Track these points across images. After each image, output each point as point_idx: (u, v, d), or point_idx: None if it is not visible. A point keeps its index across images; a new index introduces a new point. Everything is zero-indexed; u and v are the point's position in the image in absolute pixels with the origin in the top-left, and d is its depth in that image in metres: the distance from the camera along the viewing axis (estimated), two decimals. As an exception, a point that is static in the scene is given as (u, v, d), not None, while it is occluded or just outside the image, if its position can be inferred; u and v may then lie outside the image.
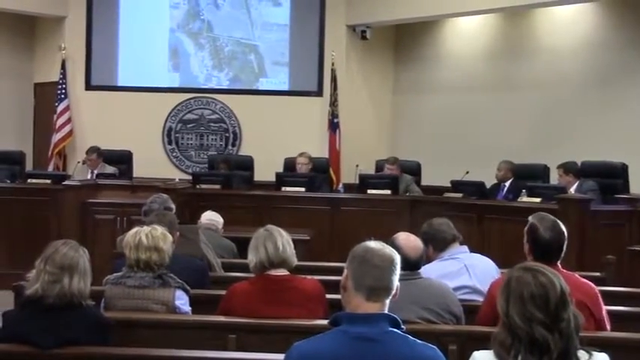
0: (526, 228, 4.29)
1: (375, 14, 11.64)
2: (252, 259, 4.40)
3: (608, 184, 8.62)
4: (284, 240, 4.40)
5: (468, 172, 9.41)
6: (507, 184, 9.35)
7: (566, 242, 4.22)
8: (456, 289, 4.59)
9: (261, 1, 11.97)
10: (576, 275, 4.24)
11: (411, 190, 9.77)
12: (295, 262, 4.47)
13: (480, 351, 2.94)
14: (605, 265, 5.82)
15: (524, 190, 8.44)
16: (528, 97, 10.81)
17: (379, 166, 10.47)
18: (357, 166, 10.40)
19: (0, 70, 12.02)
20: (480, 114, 11.26)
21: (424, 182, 10.32)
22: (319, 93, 11.79)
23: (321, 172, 10.54)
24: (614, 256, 5.94)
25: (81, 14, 11.93)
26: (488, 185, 9.25)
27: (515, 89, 10.97)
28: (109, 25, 11.98)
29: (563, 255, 4.22)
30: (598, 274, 5.71)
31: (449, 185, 9.18)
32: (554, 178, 9.02)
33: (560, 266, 4.14)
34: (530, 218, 4.32)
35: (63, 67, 11.73)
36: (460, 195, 8.92)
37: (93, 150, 10.34)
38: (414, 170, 10.37)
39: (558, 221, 4.27)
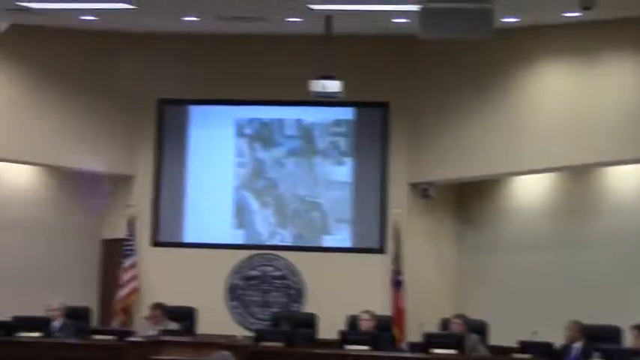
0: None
1: (437, 172, 11.73)
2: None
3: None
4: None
5: (536, 332, 9.18)
6: (578, 345, 9.10)
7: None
8: None
9: (325, 159, 12.17)
10: None
11: (478, 349, 9.57)
12: None
13: None
14: None
15: (596, 353, 8.18)
16: (596, 255, 10.63)
17: (444, 324, 10.29)
18: (420, 324, 10.12)
19: (69, 228, 12.22)
20: (546, 272, 11.07)
21: (491, 342, 10.07)
22: (382, 250, 11.80)
23: (385, 330, 10.41)
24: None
25: (149, 173, 12.30)
26: (557, 346, 9.02)
27: (582, 246, 10.82)
28: (176, 182, 12.30)
29: None
30: None
31: (517, 345, 8.96)
32: (627, 340, 8.77)
33: None
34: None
35: (130, 224, 11.95)
36: (528, 356, 8.72)
37: (157, 306, 10.39)
38: (481, 329, 10.16)
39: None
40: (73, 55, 11.73)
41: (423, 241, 12.03)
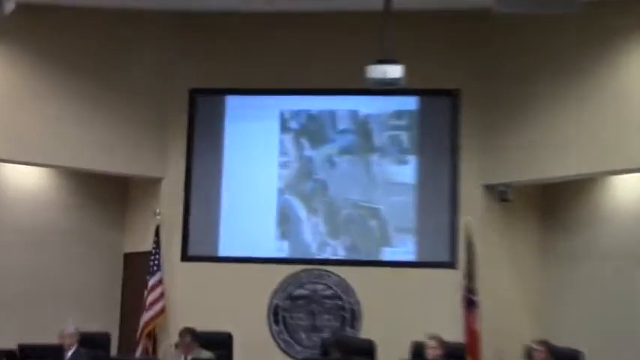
0: None
1: (517, 172, 11.02)
2: None
3: None
4: None
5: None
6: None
7: None
8: None
9: (384, 157, 11.64)
10: None
11: (570, 387, 8.92)
12: None
13: None
14: None
15: None
16: None
17: (527, 352, 9.54)
18: (498, 351, 9.88)
19: (88, 239, 11.84)
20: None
21: (588, 377, 9.29)
22: (452, 264, 11.22)
23: (456, 358, 9.83)
24: None
25: (179, 175, 11.85)
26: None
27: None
28: (210, 186, 11.84)
29: None
30: None
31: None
32: None
33: None
34: None
35: (157, 234, 11.48)
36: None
37: (187, 332, 9.77)
38: (571, 359, 9.23)
39: None
40: (90, 39, 11.12)
41: (501, 252, 11.37)
